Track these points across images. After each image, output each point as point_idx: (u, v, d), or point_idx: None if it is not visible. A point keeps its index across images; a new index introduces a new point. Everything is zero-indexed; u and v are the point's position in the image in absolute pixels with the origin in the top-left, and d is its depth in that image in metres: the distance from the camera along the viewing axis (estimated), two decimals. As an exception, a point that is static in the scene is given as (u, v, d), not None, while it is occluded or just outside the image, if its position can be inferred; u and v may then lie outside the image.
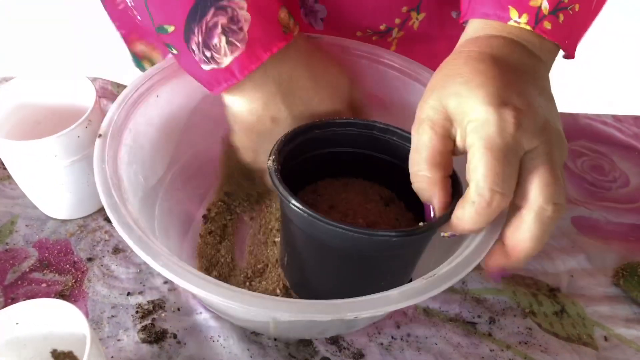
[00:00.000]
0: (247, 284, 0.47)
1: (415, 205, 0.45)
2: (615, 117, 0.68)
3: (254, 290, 0.44)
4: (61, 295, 0.47)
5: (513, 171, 0.33)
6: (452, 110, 0.35)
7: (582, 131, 0.67)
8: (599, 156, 0.64)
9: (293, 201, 0.36)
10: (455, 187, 0.38)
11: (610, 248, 0.54)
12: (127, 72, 0.81)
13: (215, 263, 0.49)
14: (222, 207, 0.53)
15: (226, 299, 0.33)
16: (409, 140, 0.43)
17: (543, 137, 0.34)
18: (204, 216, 0.52)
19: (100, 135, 0.41)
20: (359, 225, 0.42)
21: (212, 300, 0.34)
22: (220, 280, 0.35)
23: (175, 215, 0.49)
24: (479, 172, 0.33)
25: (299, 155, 0.44)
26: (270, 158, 0.39)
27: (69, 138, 0.46)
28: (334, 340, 0.45)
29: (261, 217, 0.52)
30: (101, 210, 0.54)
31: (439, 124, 0.35)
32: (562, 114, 0.68)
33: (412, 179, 0.37)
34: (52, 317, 0.38)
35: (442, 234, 0.37)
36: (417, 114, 0.37)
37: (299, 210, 0.36)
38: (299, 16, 0.57)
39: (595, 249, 0.54)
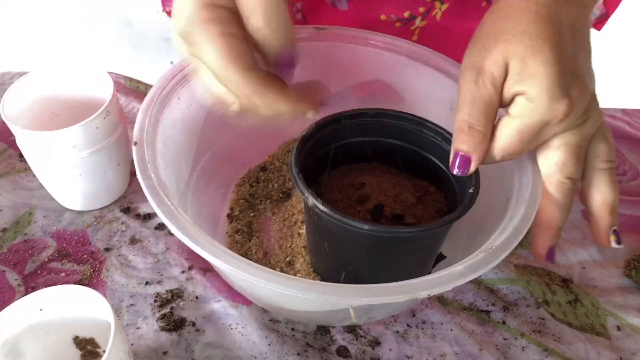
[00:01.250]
0: None
1: (443, 184, 0.46)
2: (625, 111, 0.68)
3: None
4: (80, 284, 0.47)
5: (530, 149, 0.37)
6: (512, 71, 0.36)
7: (591, 125, 0.67)
8: (609, 150, 0.64)
9: (320, 206, 0.37)
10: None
11: (622, 240, 0.55)
12: (139, 67, 0.82)
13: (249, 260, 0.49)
14: (244, 205, 0.53)
15: (303, 291, 0.33)
16: (437, 133, 0.44)
17: (580, 121, 0.36)
18: (228, 215, 0.52)
19: (135, 143, 0.41)
20: (381, 224, 0.42)
21: (284, 292, 0.33)
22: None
23: (203, 217, 0.50)
24: (502, 142, 0.36)
25: (329, 143, 0.45)
26: (292, 161, 0.40)
27: (88, 129, 0.46)
28: (351, 329, 0.46)
29: (283, 211, 0.53)
30: (117, 201, 0.54)
31: (499, 82, 0.36)
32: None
33: (463, 129, 0.37)
34: (75, 304, 0.39)
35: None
36: (474, 60, 0.37)
37: (326, 215, 0.37)
38: None
39: (607, 241, 0.55)
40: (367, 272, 0.42)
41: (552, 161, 0.39)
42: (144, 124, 0.42)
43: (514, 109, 0.36)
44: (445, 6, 0.56)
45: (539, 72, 0.35)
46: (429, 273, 0.48)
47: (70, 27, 1.64)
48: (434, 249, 0.43)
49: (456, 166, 0.38)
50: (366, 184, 0.45)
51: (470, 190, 0.40)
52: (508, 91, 0.36)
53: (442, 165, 0.45)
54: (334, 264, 0.43)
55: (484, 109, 0.36)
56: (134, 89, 0.68)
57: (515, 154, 0.37)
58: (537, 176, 0.42)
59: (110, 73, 0.69)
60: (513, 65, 0.36)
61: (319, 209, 0.37)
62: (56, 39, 1.62)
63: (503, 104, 0.37)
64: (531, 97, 0.35)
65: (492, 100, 0.36)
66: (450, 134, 0.44)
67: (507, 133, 0.36)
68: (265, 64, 0.35)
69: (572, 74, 0.36)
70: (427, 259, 0.44)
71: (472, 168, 0.38)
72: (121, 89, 0.67)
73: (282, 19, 0.33)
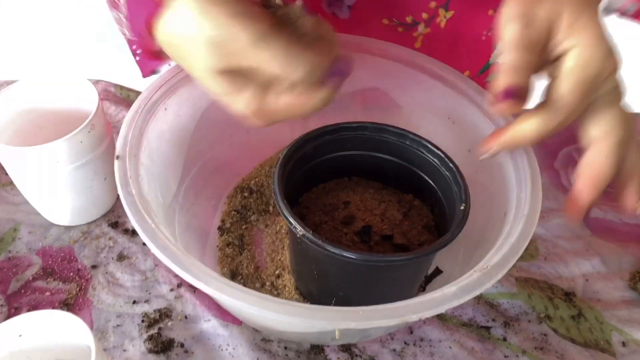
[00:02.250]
0: (275, 292, 0.46)
1: (428, 198, 0.44)
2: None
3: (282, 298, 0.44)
4: (65, 304, 0.46)
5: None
6: (561, 25, 0.34)
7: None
8: (612, 155, 0.62)
9: (311, 237, 0.36)
10: None
11: (626, 250, 0.53)
12: (129, 74, 0.80)
13: (239, 274, 0.47)
14: (236, 217, 0.52)
15: (289, 315, 0.31)
16: (422, 145, 0.42)
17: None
18: (219, 227, 0.51)
19: (118, 157, 0.40)
20: (372, 248, 0.41)
21: (270, 317, 0.32)
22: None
23: (192, 230, 0.48)
24: (561, 95, 0.34)
25: (310, 160, 0.44)
26: (275, 179, 0.38)
27: (71, 143, 0.45)
28: (346, 348, 0.44)
29: (276, 223, 0.51)
30: (105, 216, 0.52)
31: (547, 35, 0.35)
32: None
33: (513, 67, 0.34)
34: (55, 329, 0.37)
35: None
36: (522, 10, 0.35)
37: (317, 246, 0.35)
38: (321, 8, 0.56)
39: (611, 252, 0.53)
40: (359, 296, 0.40)
41: (608, 119, 0.36)
42: (128, 137, 0.41)
43: (567, 63, 0.34)
44: (450, 14, 0.54)
45: (591, 25, 0.34)
46: (422, 288, 0.46)
47: (60, 33, 1.62)
48: (426, 267, 0.42)
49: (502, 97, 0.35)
50: (351, 203, 0.44)
51: (462, 207, 0.39)
52: (556, 45, 0.35)
53: (427, 178, 0.44)
54: (324, 289, 0.42)
55: (534, 57, 0.34)
56: (124, 97, 0.66)
57: (577, 110, 0.35)
58: (536, 191, 0.40)
59: (100, 81, 0.68)
60: (563, 19, 0.34)
61: (309, 240, 0.35)
62: (46, 46, 1.60)
63: (547, 60, 0.35)
64: (587, 47, 0.34)
65: (540, 50, 0.35)
66: (435, 146, 0.43)
67: (568, 88, 0.34)
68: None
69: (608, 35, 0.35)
70: (419, 277, 0.43)
71: (523, 104, 0.35)
72: (111, 97, 0.65)
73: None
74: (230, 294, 0.32)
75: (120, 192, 0.37)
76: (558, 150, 0.63)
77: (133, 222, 0.35)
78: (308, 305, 0.32)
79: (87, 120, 0.45)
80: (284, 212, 0.37)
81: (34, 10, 1.64)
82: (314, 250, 0.37)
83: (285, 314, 0.31)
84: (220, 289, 0.32)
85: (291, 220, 0.36)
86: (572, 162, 0.62)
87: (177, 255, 0.34)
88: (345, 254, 0.35)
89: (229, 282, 0.33)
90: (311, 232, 0.36)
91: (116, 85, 0.67)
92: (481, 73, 0.63)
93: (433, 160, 0.43)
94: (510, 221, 0.39)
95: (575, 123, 0.37)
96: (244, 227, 0.51)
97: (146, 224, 0.35)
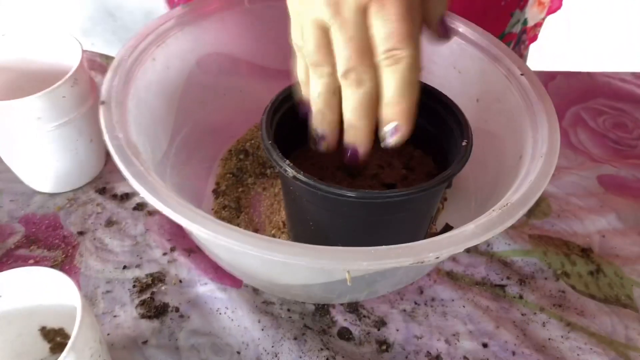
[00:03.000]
0: None
1: (429, 147, 0.42)
2: (635, 74, 0.64)
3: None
4: (50, 271, 0.42)
5: None
6: None
7: (600, 89, 0.63)
8: (621, 114, 0.60)
9: (302, 177, 0.33)
10: None
11: (641, 205, 0.51)
12: (115, 45, 0.77)
13: None
14: (231, 180, 0.49)
15: (295, 256, 0.28)
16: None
17: None
18: (214, 190, 0.48)
19: (103, 102, 0.36)
20: (362, 189, 0.38)
21: (276, 259, 0.29)
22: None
23: (185, 192, 0.45)
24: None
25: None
26: (263, 132, 0.36)
27: (53, 98, 0.42)
28: (353, 309, 0.41)
29: (273, 186, 0.48)
30: (92, 182, 0.49)
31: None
32: (579, 73, 0.65)
33: None
34: (39, 289, 0.34)
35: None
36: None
37: (309, 187, 0.33)
38: None
39: (626, 208, 0.50)
40: (360, 246, 0.38)
41: None
42: (113, 83, 0.38)
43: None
44: None
45: None
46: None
47: (50, 24, 1.58)
48: (429, 211, 0.39)
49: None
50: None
51: (463, 144, 0.36)
52: None
53: (427, 125, 0.41)
54: (322, 243, 0.39)
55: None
56: (111, 67, 0.63)
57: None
58: (554, 129, 0.38)
59: (85, 51, 0.64)
60: None
61: (301, 181, 0.32)
62: (27, 8, 1.55)
63: None
64: None
65: None
66: (433, 88, 0.40)
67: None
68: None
69: None
70: (422, 226, 0.40)
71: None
72: (97, 67, 0.62)
73: None
74: (232, 236, 0.29)
75: (105, 136, 0.34)
76: (565, 110, 0.61)
77: (120, 166, 0.32)
78: (315, 246, 0.29)
79: (70, 73, 0.42)
80: (272, 155, 0.34)
81: (18, 7, 1.60)
82: (307, 194, 0.34)
83: (292, 255, 0.28)
84: (220, 232, 0.29)
85: (280, 162, 0.34)
86: (581, 121, 0.59)
87: (170, 200, 0.31)
88: (339, 191, 0.32)
89: (231, 226, 0.30)
90: (302, 172, 0.33)
91: (102, 55, 0.64)
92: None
93: (433, 105, 0.40)
94: (527, 162, 0.36)
95: None
96: (240, 190, 0.48)
97: (135, 167, 0.32)
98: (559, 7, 0.63)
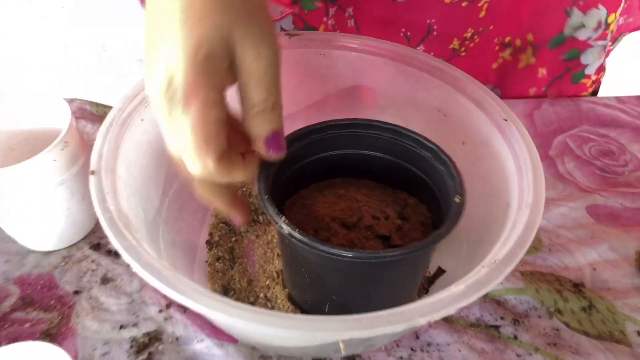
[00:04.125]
0: (269, 305, 0.44)
1: (424, 195, 0.42)
2: (619, 99, 0.65)
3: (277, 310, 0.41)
4: (47, 335, 0.43)
5: None
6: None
7: (585, 115, 0.64)
8: (607, 140, 0.61)
9: (297, 235, 0.34)
10: None
11: (630, 235, 0.51)
12: (105, 92, 0.78)
13: (231, 289, 0.45)
14: (224, 230, 0.49)
15: (286, 329, 0.29)
16: (413, 140, 0.41)
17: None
18: (208, 242, 0.48)
19: (93, 172, 0.37)
20: (356, 249, 0.39)
21: (267, 332, 0.29)
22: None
23: (179, 247, 0.45)
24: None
25: (298, 161, 0.41)
26: (260, 186, 0.36)
27: (44, 162, 0.42)
28: (350, 359, 0.42)
29: (266, 233, 0.49)
30: (86, 238, 0.50)
31: None
32: (562, 99, 0.66)
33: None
34: (36, 362, 0.34)
35: None
36: None
37: (304, 245, 0.33)
38: None
39: (616, 238, 0.51)
40: (355, 300, 0.38)
41: None
42: (102, 151, 0.38)
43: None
44: None
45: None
46: (422, 288, 0.44)
47: (31, 53, 1.58)
48: (424, 265, 0.40)
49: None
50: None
51: (457, 200, 0.37)
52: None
53: (421, 174, 0.42)
54: (317, 295, 0.39)
55: None
56: (101, 114, 0.63)
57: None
58: (539, 177, 0.38)
59: (74, 100, 0.65)
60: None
61: (296, 238, 0.33)
62: (16, 64, 1.56)
63: None
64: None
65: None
66: (427, 140, 0.41)
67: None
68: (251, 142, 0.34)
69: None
70: (418, 276, 0.40)
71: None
72: (87, 115, 0.62)
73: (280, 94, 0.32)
74: (221, 310, 0.29)
75: (96, 208, 0.34)
76: (552, 139, 0.61)
77: (112, 240, 0.33)
78: (307, 317, 0.29)
79: (59, 137, 0.43)
80: (269, 210, 0.35)
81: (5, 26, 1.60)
82: (303, 250, 0.35)
83: (283, 328, 0.28)
84: (210, 306, 0.29)
85: (276, 218, 0.34)
86: (568, 149, 0.60)
87: (162, 273, 0.31)
88: (333, 251, 0.32)
89: (219, 297, 0.30)
90: (297, 230, 0.33)
91: (92, 103, 0.64)
92: (555, 46, 0.61)
93: (426, 155, 0.41)
94: (514, 212, 0.37)
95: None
96: (233, 239, 0.49)
97: (126, 241, 0.33)
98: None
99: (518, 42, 0.61)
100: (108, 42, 1.63)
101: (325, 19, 0.58)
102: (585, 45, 0.61)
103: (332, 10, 0.57)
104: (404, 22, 0.58)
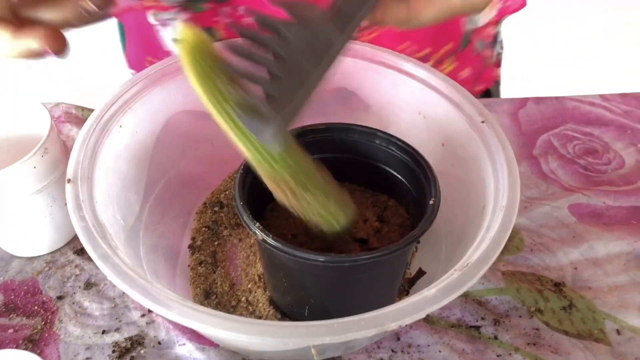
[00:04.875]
0: (250, 308, 0.44)
1: (403, 197, 0.43)
2: (603, 97, 0.66)
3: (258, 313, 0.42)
4: (30, 341, 0.43)
5: None
6: None
7: (569, 114, 0.64)
8: (591, 139, 0.61)
9: (270, 241, 0.34)
10: None
11: (612, 235, 0.52)
12: (90, 95, 0.78)
13: (213, 293, 0.45)
14: (207, 234, 0.49)
15: (258, 336, 0.29)
16: (391, 143, 0.41)
17: None
18: (190, 246, 0.48)
19: (69, 181, 0.37)
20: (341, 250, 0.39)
21: (238, 339, 0.30)
22: (221, 310, 0.31)
23: (160, 252, 0.45)
24: None
25: None
26: (236, 193, 0.37)
27: (24, 169, 0.42)
28: (330, 362, 0.42)
29: (249, 237, 0.49)
30: (69, 243, 0.50)
31: None
32: (547, 98, 0.66)
33: None
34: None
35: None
36: None
37: (278, 251, 0.34)
38: None
39: (598, 237, 0.51)
40: (333, 303, 0.38)
41: None
42: (80, 159, 0.38)
43: None
44: None
45: None
46: (403, 290, 0.44)
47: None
48: (401, 267, 0.40)
49: None
50: None
51: (431, 202, 0.37)
52: None
53: (399, 177, 0.42)
54: (296, 298, 0.40)
55: None
56: (86, 118, 0.63)
57: None
58: (514, 181, 0.38)
59: (60, 104, 0.65)
60: None
61: (270, 244, 0.33)
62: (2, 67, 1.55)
63: None
64: None
65: None
66: (404, 143, 0.41)
67: None
68: None
69: None
70: (396, 278, 0.41)
71: None
72: (73, 119, 0.63)
73: None
74: (192, 317, 0.30)
75: (72, 217, 0.35)
76: (536, 137, 0.62)
77: (87, 248, 0.33)
78: (278, 323, 0.30)
79: (40, 144, 0.43)
80: (244, 218, 0.35)
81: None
82: (279, 256, 0.35)
83: (253, 335, 0.29)
84: (182, 313, 0.30)
85: (250, 225, 0.35)
86: (552, 148, 0.60)
87: (136, 281, 0.32)
88: (307, 255, 0.33)
89: (191, 304, 0.30)
90: (271, 236, 0.34)
91: (77, 107, 0.64)
92: (465, 45, 0.61)
93: (404, 158, 0.42)
94: (489, 214, 0.37)
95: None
96: (216, 243, 0.49)
97: (101, 249, 0.33)
98: (522, 6, 0.64)
99: (436, 55, 0.61)
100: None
101: (217, 18, 0.57)
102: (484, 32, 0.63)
103: (224, 10, 0.57)
104: None
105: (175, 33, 0.59)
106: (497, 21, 0.66)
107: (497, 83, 0.72)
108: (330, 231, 0.37)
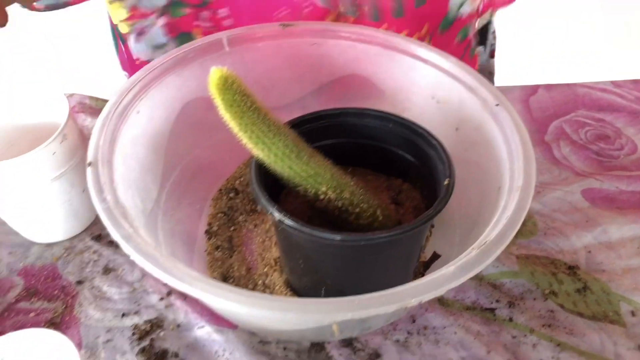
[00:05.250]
0: (267, 291, 0.44)
1: (416, 181, 0.43)
2: (615, 83, 0.66)
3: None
4: (52, 324, 0.44)
5: None
6: None
7: (581, 100, 0.64)
8: (603, 125, 0.61)
9: (287, 221, 0.35)
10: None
11: (626, 218, 0.52)
12: (103, 86, 0.78)
13: (230, 277, 0.46)
14: (223, 219, 0.50)
15: (281, 311, 0.29)
16: (404, 126, 0.41)
17: None
18: (206, 231, 0.49)
19: (90, 164, 0.38)
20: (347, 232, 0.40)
21: (261, 315, 0.30)
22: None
23: (178, 237, 0.46)
24: None
25: None
26: (252, 175, 0.37)
27: (44, 155, 0.43)
28: (348, 343, 0.42)
29: (264, 222, 0.50)
30: (87, 229, 0.51)
31: None
32: (558, 85, 0.66)
33: None
34: (41, 350, 0.35)
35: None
36: None
37: (294, 231, 0.34)
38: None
39: (611, 221, 0.52)
40: (349, 284, 0.39)
41: None
42: (99, 143, 0.39)
43: None
44: None
45: None
46: (418, 273, 0.45)
47: (30, 49, 1.59)
48: (416, 248, 0.40)
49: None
50: None
51: (445, 183, 0.37)
52: None
53: (413, 160, 0.42)
54: (313, 280, 0.40)
55: None
56: (100, 108, 0.64)
57: None
58: (529, 161, 0.39)
59: (74, 94, 0.66)
60: None
61: (288, 225, 0.34)
62: (15, 61, 1.57)
63: None
64: None
65: None
66: (417, 125, 0.42)
67: None
68: None
69: None
70: (411, 259, 0.41)
71: None
72: (87, 109, 0.63)
73: None
74: (217, 294, 0.30)
75: (93, 199, 0.35)
76: (548, 124, 0.62)
77: (110, 229, 0.34)
78: (300, 300, 0.30)
79: (58, 131, 0.43)
80: (262, 200, 0.36)
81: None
82: (295, 236, 0.36)
83: (278, 310, 0.29)
84: (206, 290, 0.30)
85: (268, 206, 0.35)
86: (563, 134, 0.60)
87: (158, 260, 0.32)
88: (323, 235, 0.33)
89: (215, 282, 0.31)
90: (288, 216, 0.34)
91: (91, 97, 0.65)
92: (444, 30, 0.60)
93: (417, 141, 0.42)
94: (505, 195, 0.38)
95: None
96: (232, 228, 0.49)
97: (123, 230, 0.33)
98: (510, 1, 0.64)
99: (416, 35, 0.60)
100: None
101: (197, 22, 0.57)
102: (469, 22, 0.62)
103: (204, 14, 0.57)
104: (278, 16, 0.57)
105: (152, 41, 0.59)
106: (481, 13, 0.65)
107: (490, 74, 0.72)
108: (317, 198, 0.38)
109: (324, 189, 0.37)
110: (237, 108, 0.35)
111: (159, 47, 0.59)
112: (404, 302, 0.30)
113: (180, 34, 0.58)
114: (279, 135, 0.36)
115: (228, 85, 0.35)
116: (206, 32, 0.58)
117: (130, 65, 0.63)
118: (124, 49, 0.64)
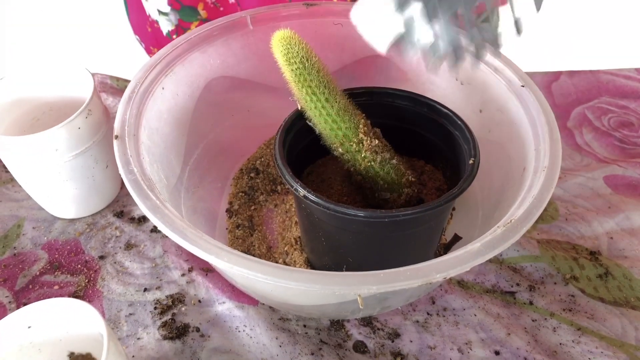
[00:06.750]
0: None
1: (439, 162, 0.43)
2: (639, 71, 0.65)
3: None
4: (75, 296, 0.44)
5: None
6: None
7: (604, 87, 0.63)
8: (627, 112, 0.61)
9: (311, 197, 0.35)
10: None
11: (649, 205, 0.51)
12: (123, 66, 0.79)
13: (251, 255, 0.46)
14: (244, 199, 0.50)
15: (307, 283, 0.30)
16: (430, 107, 0.41)
17: None
18: (228, 210, 0.49)
19: (117, 137, 0.38)
20: (369, 209, 0.40)
21: (287, 286, 0.30)
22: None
23: (200, 214, 0.46)
24: None
25: (312, 131, 0.42)
26: (276, 153, 0.37)
27: (69, 130, 0.43)
28: (367, 322, 0.43)
29: (285, 202, 0.50)
30: (110, 206, 0.51)
31: None
32: (581, 71, 0.65)
33: None
34: (66, 318, 0.36)
35: None
36: None
37: (318, 207, 0.34)
38: None
39: (634, 208, 0.51)
40: (370, 263, 0.39)
41: None
42: (125, 116, 0.39)
43: None
44: None
45: None
46: (439, 255, 0.45)
47: (52, 31, 1.60)
48: (439, 227, 0.40)
49: None
50: None
51: (470, 162, 0.37)
52: None
53: (437, 140, 0.42)
54: (334, 258, 0.40)
55: None
56: (121, 89, 0.65)
57: None
58: (555, 142, 0.38)
59: (96, 74, 0.66)
60: None
61: (311, 200, 0.34)
62: (38, 44, 1.58)
63: None
64: None
65: None
66: (442, 105, 0.41)
67: None
68: None
69: None
70: (433, 238, 0.41)
71: None
72: (108, 89, 0.64)
73: None
74: (243, 265, 0.30)
75: (121, 171, 0.35)
76: (570, 110, 0.61)
77: (137, 200, 0.34)
78: (326, 272, 0.30)
79: (84, 106, 0.44)
80: (286, 176, 0.36)
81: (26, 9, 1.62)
82: (318, 213, 0.36)
83: (303, 282, 0.29)
84: (232, 261, 0.30)
85: (292, 182, 0.35)
86: (586, 120, 0.60)
87: (186, 232, 0.32)
88: (347, 211, 0.33)
89: (240, 253, 0.31)
90: (312, 192, 0.34)
91: (112, 77, 0.65)
92: None
93: (442, 121, 0.42)
94: (531, 175, 0.37)
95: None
96: (252, 208, 0.50)
97: (150, 201, 0.34)
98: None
99: None
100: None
101: None
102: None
103: None
104: None
105: (157, 4, 0.59)
106: None
107: None
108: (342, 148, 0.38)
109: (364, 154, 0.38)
110: (300, 64, 0.37)
111: (163, 14, 0.60)
112: (429, 277, 0.30)
113: (182, 7, 0.58)
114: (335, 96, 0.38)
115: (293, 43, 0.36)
116: (210, 8, 0.58)
117: (141, 27, 0.64)
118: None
